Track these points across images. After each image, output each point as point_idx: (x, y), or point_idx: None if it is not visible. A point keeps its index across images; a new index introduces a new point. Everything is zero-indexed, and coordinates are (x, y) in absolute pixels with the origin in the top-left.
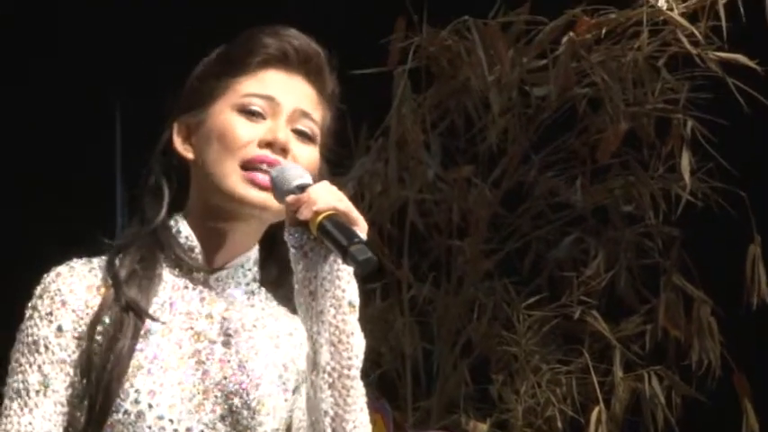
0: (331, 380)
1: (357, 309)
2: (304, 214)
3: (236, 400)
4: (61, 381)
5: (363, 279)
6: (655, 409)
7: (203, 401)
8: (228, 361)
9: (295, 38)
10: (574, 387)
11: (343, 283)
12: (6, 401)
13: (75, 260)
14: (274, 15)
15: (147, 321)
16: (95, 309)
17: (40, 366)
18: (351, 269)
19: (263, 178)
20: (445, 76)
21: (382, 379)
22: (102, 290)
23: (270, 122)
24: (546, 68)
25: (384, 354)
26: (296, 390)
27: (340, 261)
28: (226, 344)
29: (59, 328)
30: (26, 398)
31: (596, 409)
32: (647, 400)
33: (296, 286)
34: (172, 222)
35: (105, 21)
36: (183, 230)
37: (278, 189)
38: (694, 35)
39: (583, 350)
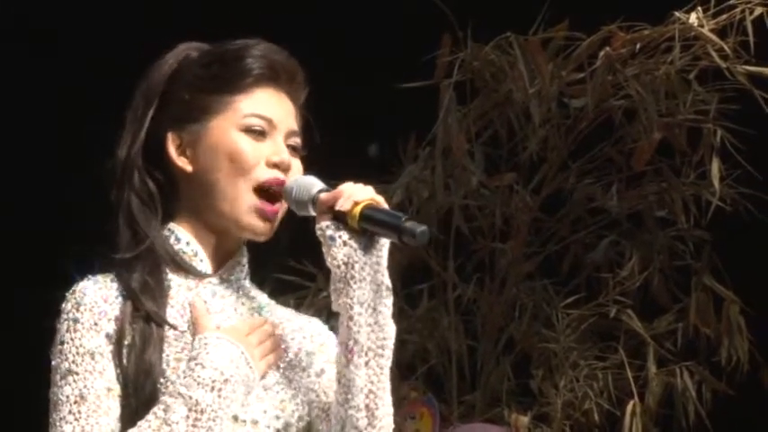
0: (367, 359)
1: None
2: (345, 206)
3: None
4: (119, 383)
5: (411, 280)
6: (686, 403)
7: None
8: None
9: (279, 54)
10: (610, 382)
11: (383, 268)
12: (68, 407)
13: (90, 277)
14: (323, 34)
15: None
16: (122, 320)
17: (101, 373)
18: (386, 256)
19: (271, 210)
20: (488, 89)
21: (429, 374)
22: (122, 301)
23: (270, 141)
24: (583, 81)
25: (431, 350)
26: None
27: (380, 249)
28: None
29: (107, 336)
30: (97, 401)
31: (631, 403)
32: (679, 394)
33: (334, 273)
34: (167, 232)
35: None
36: (183, 237)
37: (297, 199)
38: (723, 50)
39: (618, 347)
